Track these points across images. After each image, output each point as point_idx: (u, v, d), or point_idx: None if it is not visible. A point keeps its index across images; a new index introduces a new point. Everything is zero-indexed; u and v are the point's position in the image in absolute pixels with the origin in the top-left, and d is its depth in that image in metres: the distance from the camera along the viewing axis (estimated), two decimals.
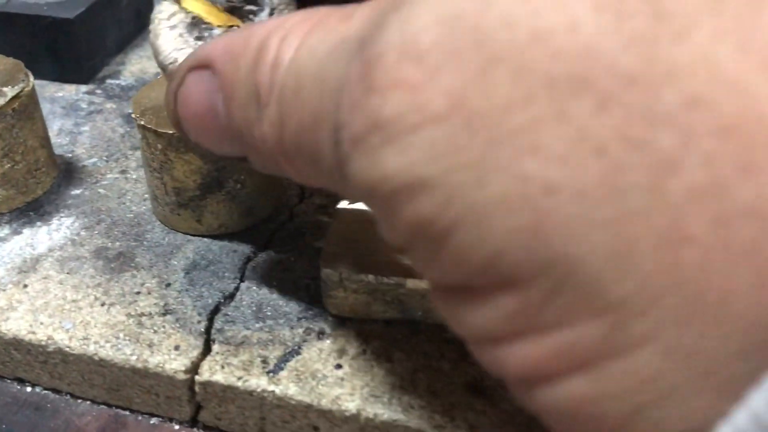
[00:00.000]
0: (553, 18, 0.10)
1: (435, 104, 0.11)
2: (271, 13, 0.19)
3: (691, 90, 0.10)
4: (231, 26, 0.19)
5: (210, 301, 0.23)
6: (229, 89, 0.16)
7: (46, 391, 0.23)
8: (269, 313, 0.22)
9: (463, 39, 0.11)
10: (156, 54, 0.19)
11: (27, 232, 0.26)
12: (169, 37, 0.19)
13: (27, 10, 0.34)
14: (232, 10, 0.19)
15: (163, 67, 0.19)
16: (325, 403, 0.20)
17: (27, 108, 0.26)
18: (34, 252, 0.25)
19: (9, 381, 0.23)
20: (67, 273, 0.24)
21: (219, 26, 0.19)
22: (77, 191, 0.28)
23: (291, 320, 0.22)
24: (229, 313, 0.23)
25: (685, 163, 0.09)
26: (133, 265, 0.24)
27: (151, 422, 0.22)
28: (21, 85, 0.26)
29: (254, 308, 0.23)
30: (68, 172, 0.29)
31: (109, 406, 0.22)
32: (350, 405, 0.20)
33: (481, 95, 0.11)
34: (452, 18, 0.11)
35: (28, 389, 0.23)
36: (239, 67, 0.15)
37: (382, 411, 0.20)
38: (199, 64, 0.16)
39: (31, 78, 0.26)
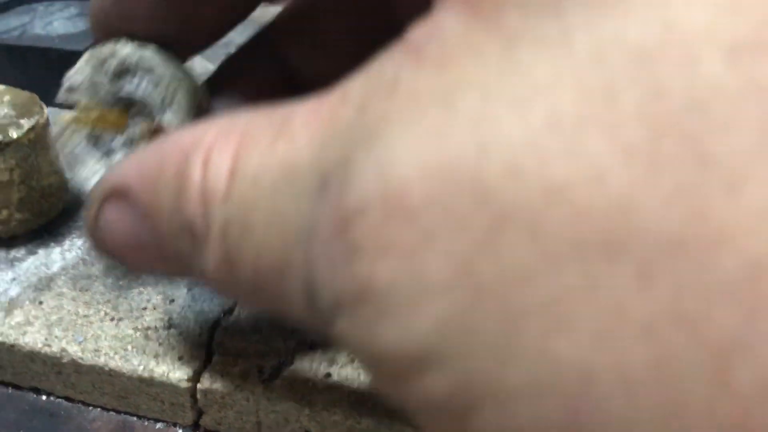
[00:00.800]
0: (570, 167, 0.09)
1: (436, 272, 0.09)
2: (161, 104, 0.18)
3: (753, 254, 0.08)
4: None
5: (211, 315, 0.25)
6: (154, 221, 0.14)
7: (59, 399, 0.25)
8: (265, 326, 0.24)
9: (460, 194, 0.09)
10: (79, 183, 0.18)
11: (42, 252, 0.28)
12: (78, 163, 0.18)
13: (39, 42, 0.36)
14: (117, 104, 0.18)
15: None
16: (315, 408, 0.22)
17: (42, 138, 0.28)
18: (49, 271, 0.27)
19: (26, 390, 0.25)
20: (79, 290, 0.26)
21: (117, 130, 0.18)
22: None
23: (285, 333, 0.24)
24: (228, 327, 0.25)
25: (753, 346, 0.08)
26: (140, 282, 0.26)
27: (157, 427, 0.24)
28: (36, 117, 0.28)
29: (251, 322, 0.25)
30: (80, 195, 0.31)
31: (118, 412, 0.24)
32: (338, 410, 0.22)
33: (491, 262, 0.09)
34: (442, 168, 0.09)
35: (44, 398, 0.25)
36: (160, 197, 0.14)
37: (367, 416, 0.21)
38: (114, 193, 0.15)
39: (46, 110, 0.28)
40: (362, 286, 0.10)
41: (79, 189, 0.31)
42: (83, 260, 0.27)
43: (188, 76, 0.18)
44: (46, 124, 0.28)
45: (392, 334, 0.10)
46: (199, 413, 0.23)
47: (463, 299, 0.09)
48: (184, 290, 0.26)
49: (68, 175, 0.18)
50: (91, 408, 0.24)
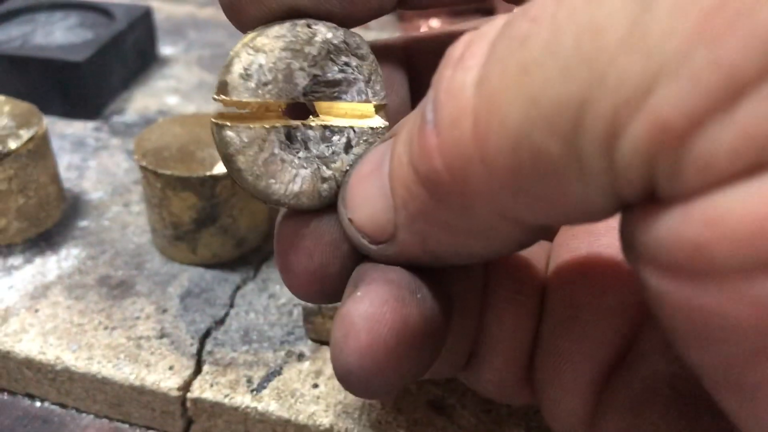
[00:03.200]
0: None
1: None
2: (367, 82, 0.16)
3: None
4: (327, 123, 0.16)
5: (202, 325, 0.25)
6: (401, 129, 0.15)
7: (53, 406, 0.25)
8: (255, 337, 0.25)
9: None
10: (266, 198, 0.16)
11: (38, 261, 0.28)
12: (271, 172, 0.15)
13: (40, 53, 0.37)
14: (313, 93, 0.16)
15: (284, 204, 0.16)
16: (302, 418, 0.22)
17: (40, 149, 0.28)
18: (45, 279, 0.27)
19: (21, 396, 0.25)
20: (74, 299, 0.26)
21: (309, 123, 0.16)
22: (84, 223, 0.30)
23: (274, 344, 0.25)
24: (219, 337, 0.25)
25: None
26: (133, 292, 0.27)
27: None
28: (35, 128, 0.28)
29: (241, 333, 0.25)
30: (76, 205, 0.31)
31: (110, 419, 0.25)
32: (324, 420, 0.22)
33: None
34: None
35: (38, 404, 0.25)
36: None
37: (352, 426, 0.22)
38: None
39: (44, 121, 0.29)
40: None
41: (78, 197, 0.31)
42: (79, 269, 0.28)
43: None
44: (45, 135, 0.29)
45: None
46: (189, 422, 0.24)
47: None
48: (177, 300, 0.26)
49: (262, 186, 0.15)
50: (84, 415, 0.25)
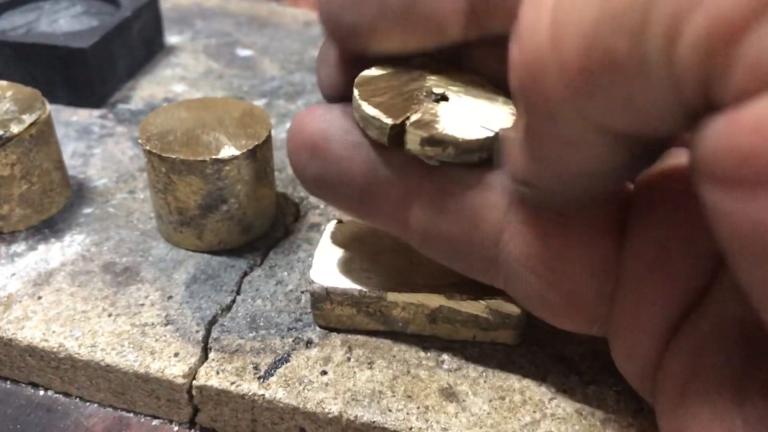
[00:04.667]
0: None
1: None
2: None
3: None
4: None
5: (208, 312, 0.25)
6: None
7: (57, 395, 0.25)
8: (262, 324, 0.24)
9: None
10: None
11: (42, 247, 0.28)
12: None
13: (45, 40, 0.36)
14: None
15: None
16: (310, 406, 0.22)
17: (43, 134, 0.28)
18: (48, 266, 0.27)
19: (23, 385, 0.25)
20: (78, 286, 0.26)
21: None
22: (88, 210, 0.30)
23: (282, 330, 0.24)
24: (226, 324, 0.24)
25: None
26: (138, 279, 0.26)
27: (153, 423, 0.24)
28: (38, 112, 0.28)
29: (248, 319, 0.25)
30: (80, 192, 0.31)
31: (115, 408, 0.24)
32: (333, 408, 0.22)
33: None
34: None
35: (41, 392, 0.25)
36: None
37: (362, 413, 0.21)
38: None
39: (48, 106, 0.29)
40: None
41: (82, 185, 0.31)
42: (83, 256, 0.27)
43: None
44: (48, 120, 0.28)
45: None
46: (195, 410, 0.23)
47: None
48: (183, 287, 0.26)
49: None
50: (87, 403, 0.24)
